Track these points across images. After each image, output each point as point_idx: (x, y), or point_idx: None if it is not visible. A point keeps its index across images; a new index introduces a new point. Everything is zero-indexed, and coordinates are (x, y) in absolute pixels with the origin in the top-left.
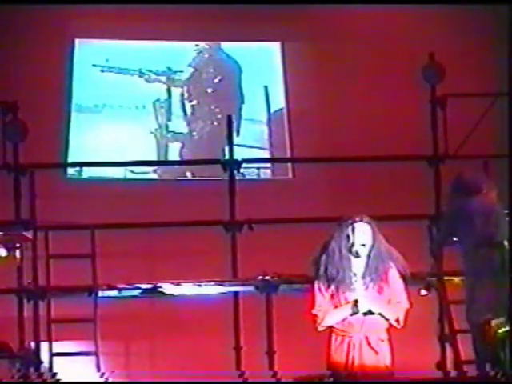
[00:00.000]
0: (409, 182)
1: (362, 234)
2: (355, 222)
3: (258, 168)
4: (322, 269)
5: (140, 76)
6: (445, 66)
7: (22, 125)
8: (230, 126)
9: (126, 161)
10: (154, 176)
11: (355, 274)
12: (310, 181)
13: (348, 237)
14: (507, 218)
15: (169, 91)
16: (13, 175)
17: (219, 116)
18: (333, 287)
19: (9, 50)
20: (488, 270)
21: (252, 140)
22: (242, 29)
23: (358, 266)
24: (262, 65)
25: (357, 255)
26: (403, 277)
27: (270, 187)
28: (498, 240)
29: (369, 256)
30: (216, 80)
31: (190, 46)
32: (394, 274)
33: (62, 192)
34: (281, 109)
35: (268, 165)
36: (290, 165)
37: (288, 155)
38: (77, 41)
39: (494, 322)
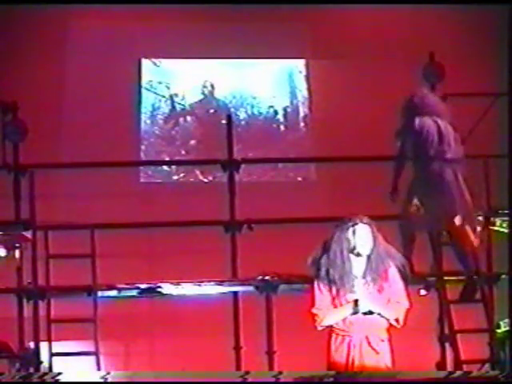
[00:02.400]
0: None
1: (363, 234)
2: (356, 224)
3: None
4: (323, 270)
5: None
6: (445, 66)
7: (21, 125)
8: (230, 126)
9: (126, 161)
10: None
11: (356, 277)
12: (310, 181)
13: (349, 239)
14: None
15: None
16: (13, 175)
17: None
18: (334, 290)
19: (9, 50)
20: (439, 183)
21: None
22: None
23: (358, 266)
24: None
25: (358, 255)
26: (403, 275)
27: (271, 187)
28: (450, 157)
29: (369, 256)
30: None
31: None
32: (393, 273)
33: (62, 192)
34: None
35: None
36: (290, 165)
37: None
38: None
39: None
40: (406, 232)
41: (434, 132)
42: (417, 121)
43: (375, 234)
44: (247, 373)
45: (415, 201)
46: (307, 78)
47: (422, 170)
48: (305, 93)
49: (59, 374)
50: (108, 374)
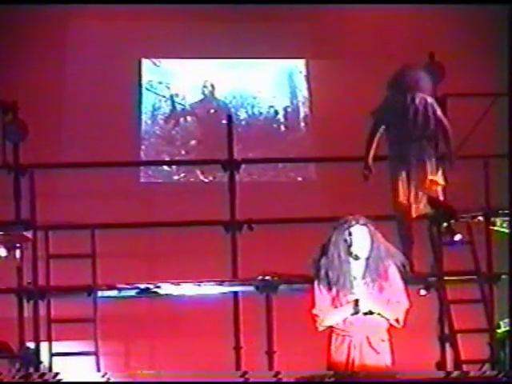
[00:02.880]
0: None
1: (360, 236)
2: (352, 225)
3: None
4: (322, 272)
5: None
6: (445, 66)
7: (22, 125)
8: (230, 126)
9: (126, 161)
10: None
11: (355, 278)
12: (310, 181)
13: (346, 241)
14: (445, 121)
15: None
16: (13, 175)
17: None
18: (334, 291)
19: (9, 50)
20: (415, 159)
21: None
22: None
23: (357, 268)
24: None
25: (356, 258)
26: (402, 274)
27: (271, 187)
28: (425, 134)
29: (368, 257)
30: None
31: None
32: (393, 272)
33: (62, 192)
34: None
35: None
36: (291, 165)
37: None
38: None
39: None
40: (404, 230)
41: (414, 109)
42: (402, 97)
43: (373, 234)
44: (245, 373)
45: (403, 176)
46: (307, 77)
47: (396, 147)
48: (305, 93)
49: (57, 374)
50: (105, 373)
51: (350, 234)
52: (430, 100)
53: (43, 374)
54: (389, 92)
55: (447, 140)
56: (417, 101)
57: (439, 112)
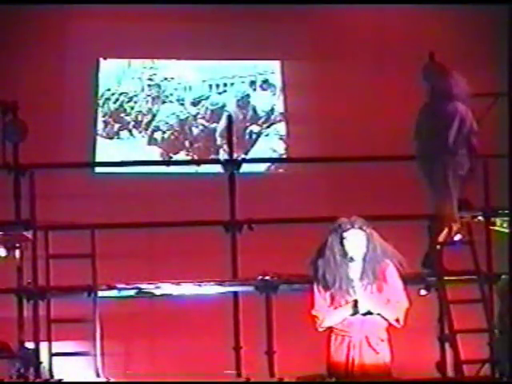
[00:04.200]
0: (409, 181)
1: (355, 241)
2: (346, 230)
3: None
4: (320, 272)
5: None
6: (445, 66)
7: (21, 125)
8: (230, 126)
9: (126, 161)
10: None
11: (352, 280)
12: (310, 181)
13: (340, 246)
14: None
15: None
16: (13, 175)
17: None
18: (332, 292)
19: (9, 51)
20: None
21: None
22: (242, 48)
23: (354, 270)
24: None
25: (351, 260)
26: (401, 273)
27: (271, 187)
28: (442, 151)
29: (364, 259)
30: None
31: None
32: (391, 272)
33: (62, 192)
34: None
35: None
36: (290, 165)
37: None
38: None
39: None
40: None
41: (439, 120)
42: (432, 106)
43: (369, 236)
44: (239, 374)
45: None
46: (307, 78)
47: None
48: (305, 93)
49: (52, 374)
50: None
51: (345, 239)
52: (461, 109)
53: (43, 374)
54: (442, 94)
55: (472, 157)
56: (448, 109)
57: (468, 127)
